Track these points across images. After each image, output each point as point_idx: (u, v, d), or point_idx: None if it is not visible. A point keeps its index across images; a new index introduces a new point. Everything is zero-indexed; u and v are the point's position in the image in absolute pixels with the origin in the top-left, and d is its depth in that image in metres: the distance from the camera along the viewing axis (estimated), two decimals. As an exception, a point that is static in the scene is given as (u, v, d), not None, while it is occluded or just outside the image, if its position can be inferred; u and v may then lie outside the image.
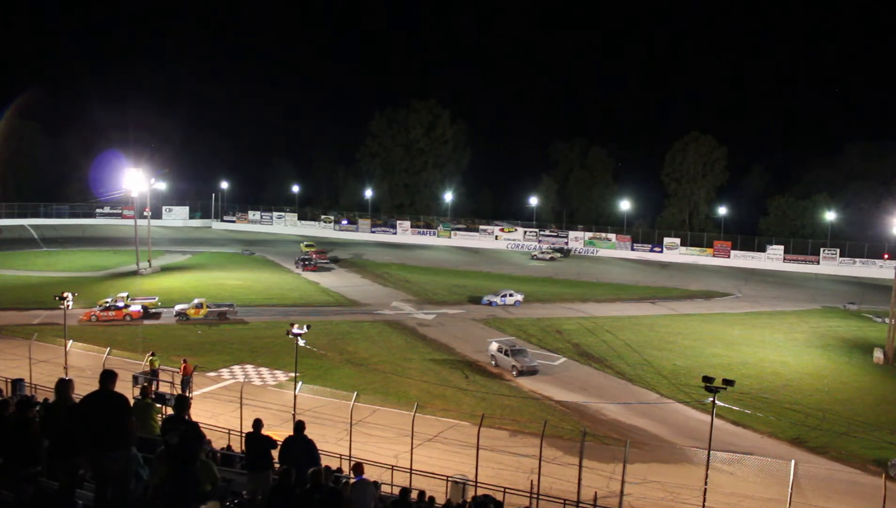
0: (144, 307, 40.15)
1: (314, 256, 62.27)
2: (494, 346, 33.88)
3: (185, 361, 26.48)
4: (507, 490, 17.68)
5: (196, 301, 40.34)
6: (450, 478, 18.37)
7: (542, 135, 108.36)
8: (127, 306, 39.43)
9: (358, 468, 10.97)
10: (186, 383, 25.45)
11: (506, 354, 32.70)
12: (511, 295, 48.19)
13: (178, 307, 40.17)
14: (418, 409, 20.69)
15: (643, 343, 38.48)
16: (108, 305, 38.99)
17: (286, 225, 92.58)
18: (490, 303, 47.35)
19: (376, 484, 11.85)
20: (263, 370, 31.31)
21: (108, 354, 24.86)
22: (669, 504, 19.88)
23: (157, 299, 42.37)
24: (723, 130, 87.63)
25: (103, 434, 6.97)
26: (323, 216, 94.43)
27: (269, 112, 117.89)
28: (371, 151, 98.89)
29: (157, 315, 40.49)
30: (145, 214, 59.40)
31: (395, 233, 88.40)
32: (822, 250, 73.20)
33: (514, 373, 31.79)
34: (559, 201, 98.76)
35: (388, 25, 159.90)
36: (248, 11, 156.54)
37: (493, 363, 33.38)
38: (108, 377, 7.46)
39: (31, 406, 8.60)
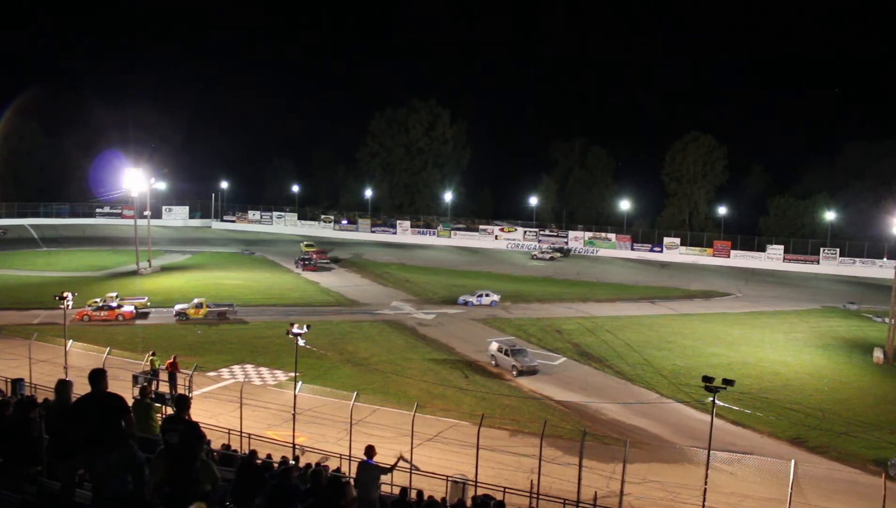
0: (134, 307, 40.27)
1: (314, 255, 62.28)
2: (494, 346, 33.89)
3: (174, 358, 26.44)
4: (507, 490, 17.65)
5: (196, 301, 40.38)
6: (450, 478, 18.34)
7: (542, 135, 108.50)
8: (119, 306, 39.53)
9: (369, 451, 11.29)
10: (173, 378, 25.40)
11: (506, 354, 32.69)
12: (487, 295, 48.37)
13: (177, 307, 40.23)
14: (418, 409, 20.68)
15: (643, 343, 38.47)
16: (99, 305, 39.07)
17: (286, 225, 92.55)
18: (466, 303, 47.45)
19: (383, 469, 11.96)
20: (263, 370, 31.31)
21: (107, 354, 24.85)
22: (669, 504, 19.87)
23: (146, 299, 42.55)
24: (723, 130, 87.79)
25: (97, 436, 6.87)
26: (323, 216, 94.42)
27: (269, 112, 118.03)
28: (371, 151, 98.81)
29: (145, 315, 40.57)
30: (145, 214, 59.38)
31: (395, 233, 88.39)
32: (822, 249, 73.22)
33: (514, 373, 31.78)
34: (559, 201, 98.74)
35: (389, 25, 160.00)
36: (248, 11, 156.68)
37: (493, 362, 33.37)
38: (96, 376, 7.01)
39: (31, 406, 8.57)
